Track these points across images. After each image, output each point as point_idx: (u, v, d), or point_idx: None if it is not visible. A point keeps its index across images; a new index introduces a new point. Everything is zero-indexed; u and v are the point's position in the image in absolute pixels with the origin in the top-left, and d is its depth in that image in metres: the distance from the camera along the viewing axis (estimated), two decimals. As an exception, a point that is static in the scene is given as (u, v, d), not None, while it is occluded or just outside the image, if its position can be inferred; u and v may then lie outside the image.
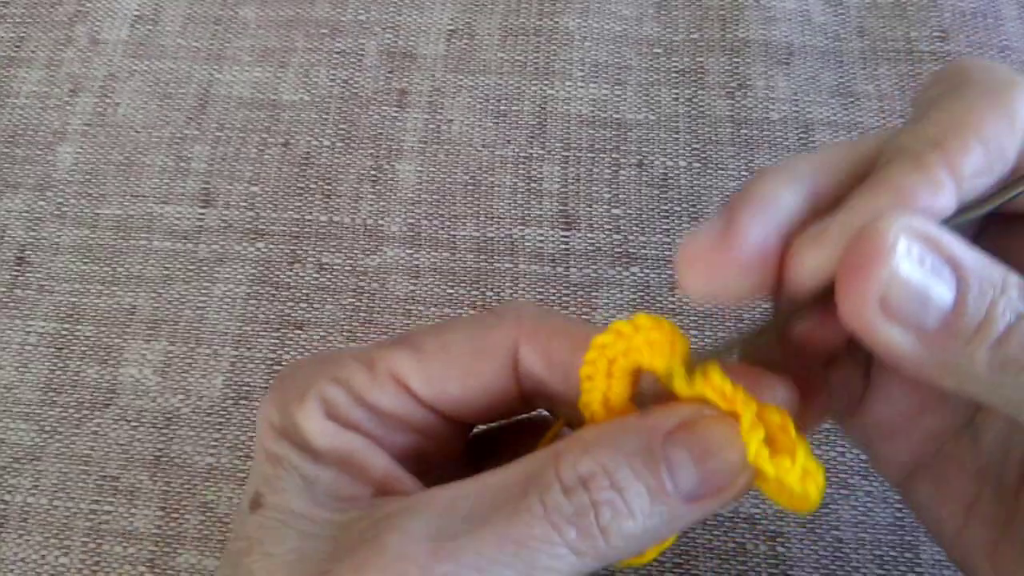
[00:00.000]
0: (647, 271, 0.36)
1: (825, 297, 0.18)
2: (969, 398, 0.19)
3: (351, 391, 0.21)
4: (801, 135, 0.39)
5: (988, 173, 0.18)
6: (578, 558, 0.18)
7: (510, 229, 0.37)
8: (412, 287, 0.36)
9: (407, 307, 0.36)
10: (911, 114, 0.20)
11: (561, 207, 0.38)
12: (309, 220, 0.38)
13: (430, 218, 0.38)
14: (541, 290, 0.36)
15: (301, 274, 0.37)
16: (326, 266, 0.37)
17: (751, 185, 0.19)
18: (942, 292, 0.17)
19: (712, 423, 0.19)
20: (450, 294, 0.36)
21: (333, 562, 0.18)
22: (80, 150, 0.40)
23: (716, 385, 0.19)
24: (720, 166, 0.38)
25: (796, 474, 0.19)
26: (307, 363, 0.22)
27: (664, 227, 0.37)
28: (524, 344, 0.21)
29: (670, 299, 0.36)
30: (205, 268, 0.37)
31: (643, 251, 0.37)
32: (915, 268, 0.17)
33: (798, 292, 0.19)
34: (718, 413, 0.19)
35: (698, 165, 0.39)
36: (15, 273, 0.37)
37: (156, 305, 0.36)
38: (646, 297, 0.36)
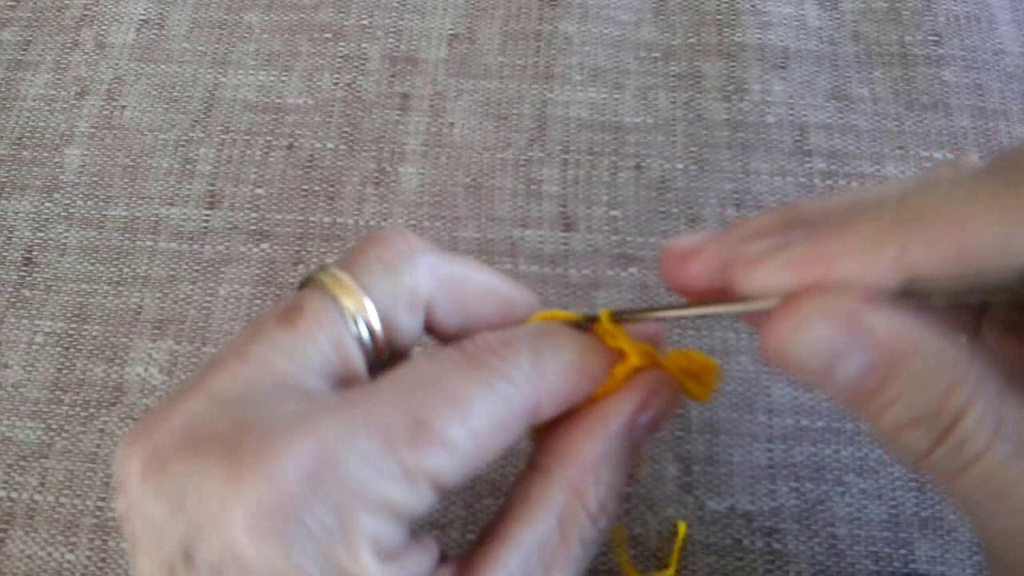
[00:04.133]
0: (645, 271, 0.37)
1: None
2: None
3: (397, 516, 0.18)
4: (797, 138, 0.40)
5: (962, 270, 0.18)
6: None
7: (510, 230, 0.38)
8: (414, 287, 0.37)
9: (409, 307, 0.36)
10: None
11: (561, 209, 0.38)
12: (313, 222, 0.38)
13: (432, 220, 0.38)
14: (541, 290, 0.36)
15: (305, 275, 0.37)
16: (329, 267, 0.37)
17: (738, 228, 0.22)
18: (853, 365, 0.18)
19: (657, 393, 0.22)
20: (451, 294, 0.37)
21: None
22: (87, 152, 0.40)
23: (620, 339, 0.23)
24: (717, 169, 0.39)
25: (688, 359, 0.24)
26: (316, 482, 0.17)
27: (662, 228, 0.38)
28: (545, 409, 0.21)
29: (668, 298, 0.36)
30: (210, 269, 0.37)
31: (641, 252, 0.37)
32: (821, 346, 0.18)
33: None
34: (651, 377, 0.23)
35: (695, 168, 0.39)
36: (23, 273, 0.38)
37: (162, 305, 0.37)
38: (644, 297, 0.36)
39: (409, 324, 0.22)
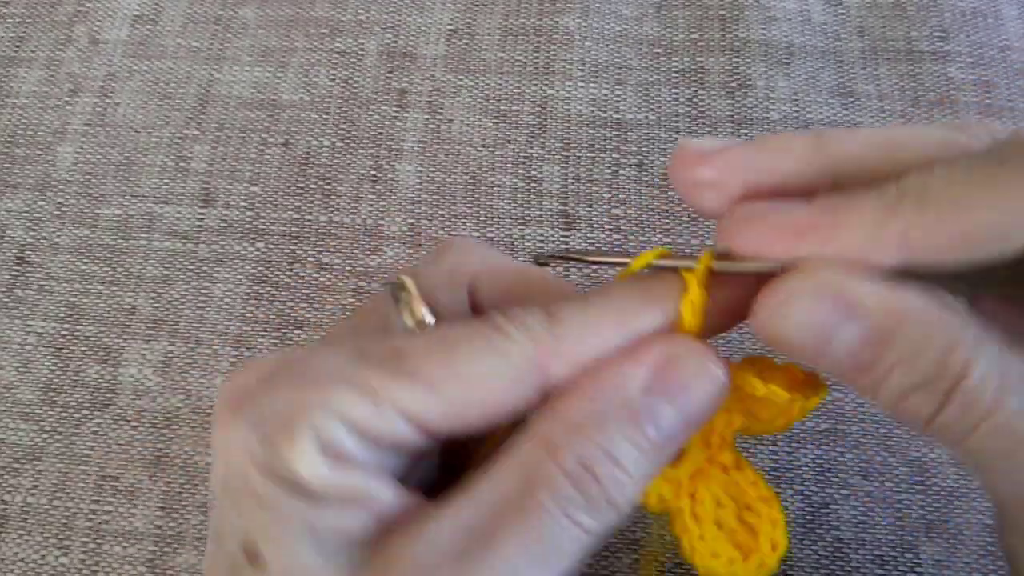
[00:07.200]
0: (648, 271, 0.36)
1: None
2: None
3: (353, 427, 0.19)
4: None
5: (961, 253, 0.18)
6: (591, 536, 0.19)
7: (510, 229, 0.37)
8: (412, 287, 0.36)
9: (407, 307, 0.36)
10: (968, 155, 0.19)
11: (561, 207, 0.38)
12: (309, 220, 0.38)
13: (430, 218, 0.38)
14: (541, 290, 0.36)
15: (301, 274, 0.37)
16: (326, 266, 0.37)
17: (760, 141, 0.21)
18: (846, 339, 0.18)
19: (682, 361, 0.19)
20: (450, 294, 0.36)
21: None
22: (80, 150, 0.40)
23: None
24: (720, 166, 0.38)
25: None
26: (281, 381, 0.19)
27: (664, 227, 0.37)
28: (554, 368, 0.19)
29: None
30: (205, 268, 0.37)
31: (644, 251, 0.37)
32: (811, 323, 0.18)
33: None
34: (685, 344, 0.20)
35: (698, 165, 0.39)
36: (15, 273, 0.37)
37: (156, 305, 0.36)
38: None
39: (448, 299, 0.23)
